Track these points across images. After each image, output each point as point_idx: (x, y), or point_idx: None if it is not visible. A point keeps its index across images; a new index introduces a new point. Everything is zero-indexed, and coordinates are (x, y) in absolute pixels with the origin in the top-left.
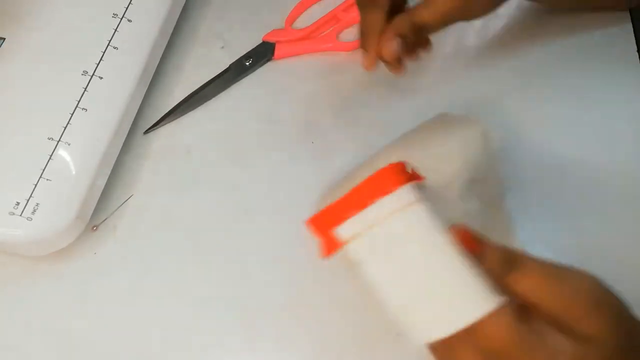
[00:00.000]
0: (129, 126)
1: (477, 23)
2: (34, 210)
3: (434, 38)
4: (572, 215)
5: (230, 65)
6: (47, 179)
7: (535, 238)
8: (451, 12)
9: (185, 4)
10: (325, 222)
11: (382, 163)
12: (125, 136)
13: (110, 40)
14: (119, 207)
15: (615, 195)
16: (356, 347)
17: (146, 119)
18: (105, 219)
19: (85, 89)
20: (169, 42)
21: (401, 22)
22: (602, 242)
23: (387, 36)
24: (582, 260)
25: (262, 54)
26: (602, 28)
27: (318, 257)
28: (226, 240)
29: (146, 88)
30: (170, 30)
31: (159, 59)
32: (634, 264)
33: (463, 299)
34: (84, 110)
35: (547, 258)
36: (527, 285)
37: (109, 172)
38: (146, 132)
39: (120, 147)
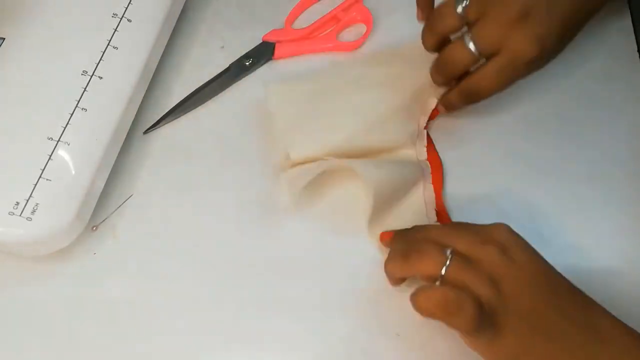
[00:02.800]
0: (129, 126)
1: None
2: (34, 210)
3: None
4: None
5: (230, 65)
6: (46, 179)
7: None
8: None
9: (185, 4)
10: None
11: None
12: (125, 136)
13: (110, 40)
14: (119, 207)
15: (614, 194)
16: (356, 347)
17: (146, 119)
18: (105, 219)
19: (85, 89)
20: (169, 42)
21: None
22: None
23: None
24: None
25: (262, 54)
26: (602, 27)
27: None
28: (226, 240)
29: (146, 88)
30: (170, 30)
31: (159, 59)
32: None
33: None
34: (84, 110)
35: None
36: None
37: (109, 172)
38: (146, 132)
39: (120, 147)
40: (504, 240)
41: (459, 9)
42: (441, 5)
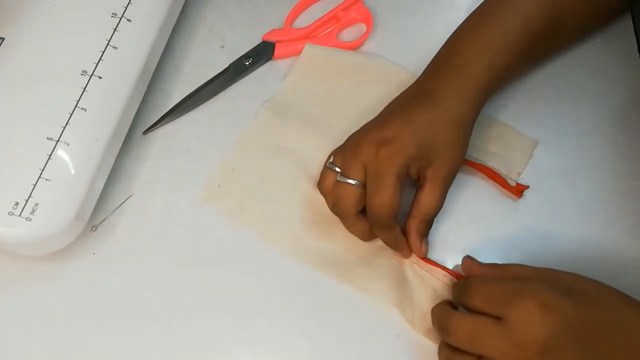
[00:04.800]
0: (129, 126)
1: None
2: (33, 210)
3: None
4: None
5: (230, 65)
6: (46, 179)
7: None
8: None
9: (185, 4)
10: None
11: None
12: (124, 136)
13: (109, 40)
14: (119, 207)
15: (615, 191)
16: (356, 347)
17: (146, 119)
18: (105, 219)
19: (85, 88)
20: (168, 42)
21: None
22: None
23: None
24: None
25: (262, 53)
26: (602, 28)
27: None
28: (226, 240)
29: (146, 88)
30: (170, 30)
31: (158, 59)
32: None
33: None
34: (83, 110)
35: None
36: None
37: (108, 172)
38: (146, 132)
39: (119, 147)
40: (522, 332)
41: (342, 176)
42: (322, 181)
